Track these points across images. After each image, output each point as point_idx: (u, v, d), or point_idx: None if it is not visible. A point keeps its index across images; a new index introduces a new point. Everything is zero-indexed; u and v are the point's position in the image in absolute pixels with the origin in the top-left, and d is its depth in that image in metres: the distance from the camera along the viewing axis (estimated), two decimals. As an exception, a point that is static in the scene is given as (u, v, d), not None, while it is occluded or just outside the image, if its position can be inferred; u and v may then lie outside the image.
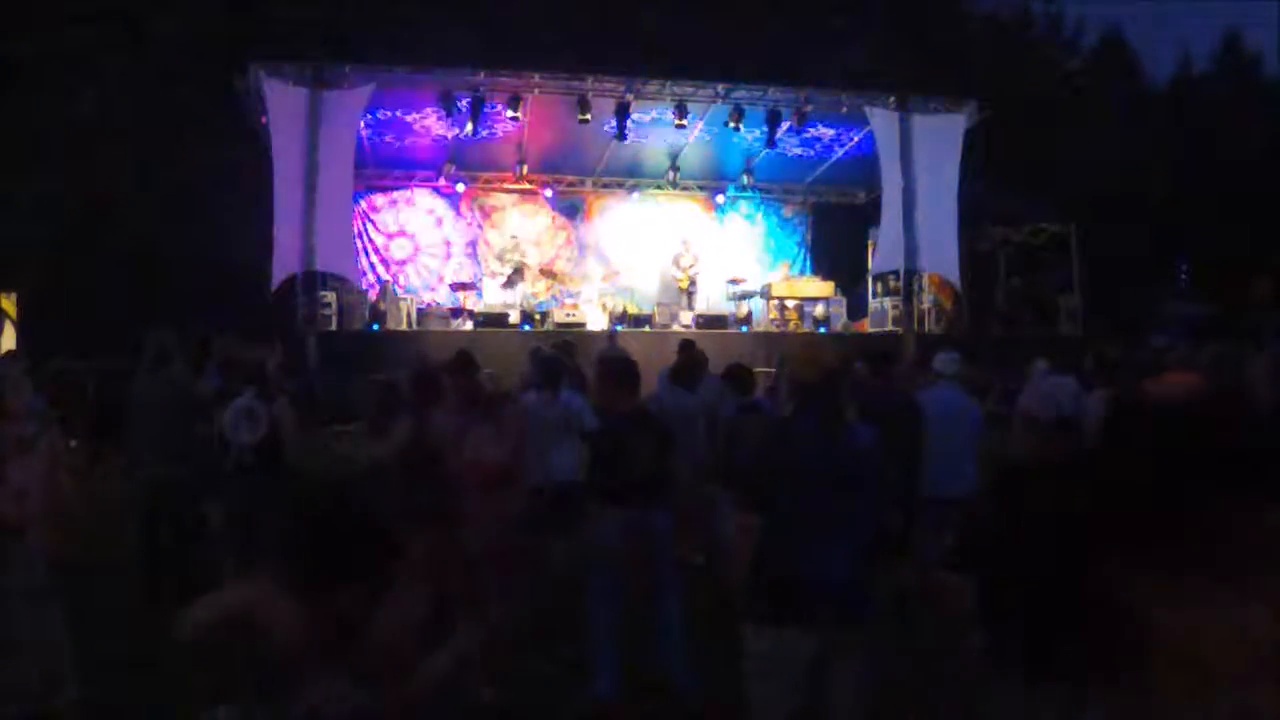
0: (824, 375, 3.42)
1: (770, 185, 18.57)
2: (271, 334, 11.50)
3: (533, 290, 16.91)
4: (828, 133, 16.22)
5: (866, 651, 3.29)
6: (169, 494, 6.42)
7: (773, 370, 10.49)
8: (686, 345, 9.13)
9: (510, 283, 15.79)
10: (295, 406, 6.98)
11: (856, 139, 16.23)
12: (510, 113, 14.04)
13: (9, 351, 10.88)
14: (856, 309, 17.44)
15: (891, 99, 14.71)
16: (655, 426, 5.12)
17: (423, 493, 4.88)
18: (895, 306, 15.94)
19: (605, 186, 17.94)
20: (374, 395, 6.39)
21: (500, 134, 15.50)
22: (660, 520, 4.89)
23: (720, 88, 14.67)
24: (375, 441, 5.89)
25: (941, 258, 14.58)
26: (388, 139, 15.85)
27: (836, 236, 19.34)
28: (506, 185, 17.51)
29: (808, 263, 18.94)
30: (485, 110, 14.06)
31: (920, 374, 7.02)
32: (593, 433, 5.45)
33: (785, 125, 14.95)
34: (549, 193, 17.66)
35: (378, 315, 14.90)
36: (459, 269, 17.26)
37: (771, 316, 16.27)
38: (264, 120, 13.37)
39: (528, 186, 17.47)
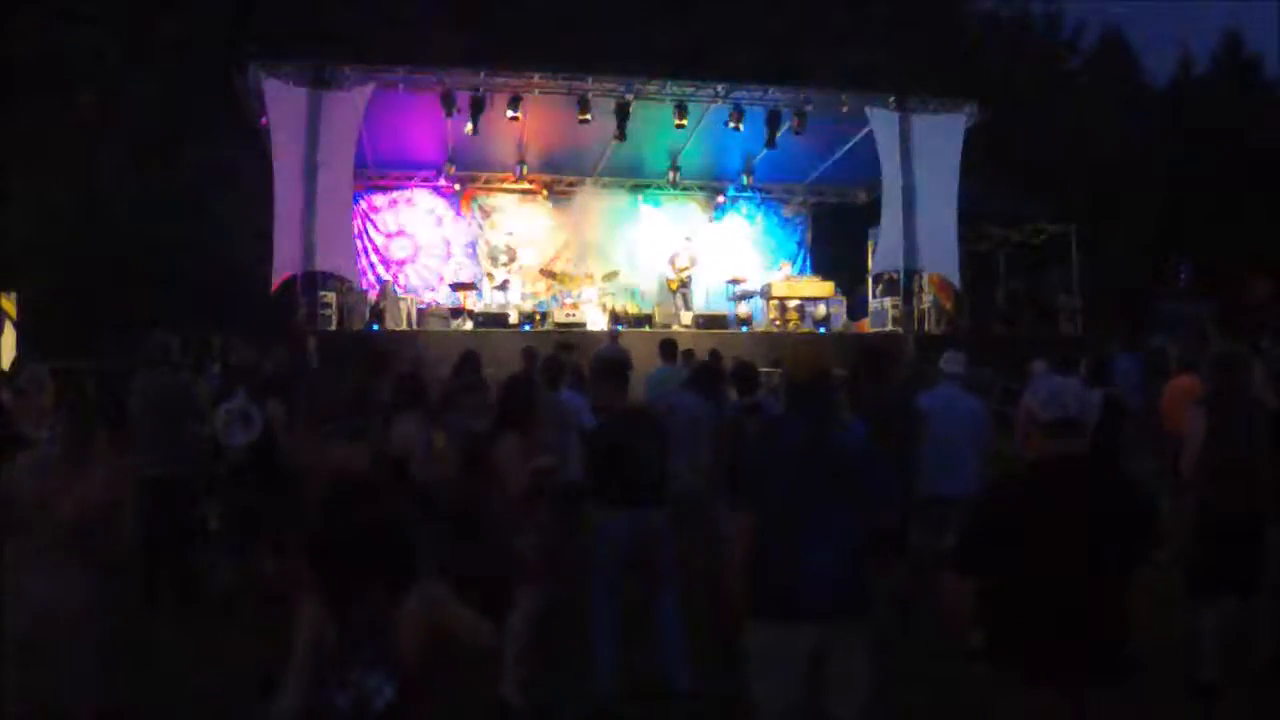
0: (816, 375, 3.43)
1: (770, 185, 18.56)
2: (273, 335, 11.53)
3: (533, 290, 16.90)
4: (827, 133, 16.21)
5: (864, 650, 3.29)
6: (168, 495, 6.42)
7: (776, 370, 10.52)
8: (675, 347, 9.16)
9: (504, 286, 15.80)
10: (294, 407, 6.99)
11: (856, 139, 16.22)
12: (510, 113, 14.03)
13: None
14: (856, 309, 17.43)
15: (891, 99, 14.69)
16: (652, 425, 5.12)
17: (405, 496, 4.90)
18: (895, 306, 15.93)
19: (605, 186, 17.94)
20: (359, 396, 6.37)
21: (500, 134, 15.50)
22: (659, 518, 4.89)
23: (720, 88, 14.65)
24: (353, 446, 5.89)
25: (941, 258, 14.56)
26: (388, 139, 15.85)
27: (836, 236, 19.35)
28: (506, 185, 17.51)
29: (808, 263, 18.93)
30: (485, 110, 14.05)
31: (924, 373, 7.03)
32: (590, 432, 5.45)
33: (785, 125, 14.94)
34: (548, 193, 17.66)
35: (378, 315, 14.89)
36: (459, 269, 17.24)
37: (771, 316, 16.26)
38: (264, 120, 13.36)
39: (528, 186, 17.46)
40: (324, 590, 2.43)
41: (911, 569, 5.46)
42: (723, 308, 16.50)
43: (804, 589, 3.21)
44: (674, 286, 16.26)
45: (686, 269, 16.29)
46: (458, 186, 17.24)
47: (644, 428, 5.04)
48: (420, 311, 15.55)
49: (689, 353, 9.44)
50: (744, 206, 18.79)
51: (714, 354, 9.07)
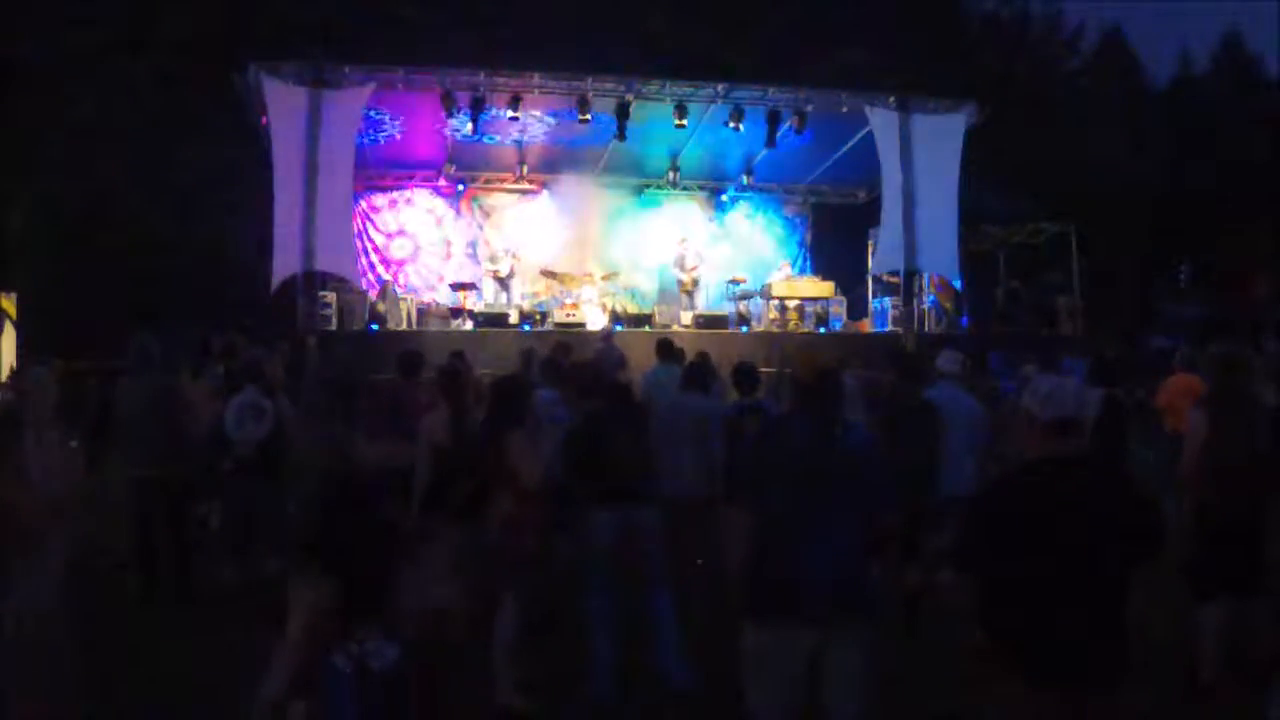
0: (819, 376, 3.44)
1: (770, 185, 18.55)
2: (277, 336, 11.51)
3: (533, 290, 16.90)
4: (827, 133, 16.20)
5: (863, 650, 3.29)
6: (158, 495, 6.42)
7: (777, 370, 10.50)
8: (672, 346, 9.10)
9: (505, 286, 15.79)
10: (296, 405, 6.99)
11: (857, 139, 16.21)
12: (510, 113, 14.02)
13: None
14: (856, 309, 17.42)
15: (891, 99, 14.67)
16: (627, 423, 5.11)
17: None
18: (895, 306, 15.92)
19: (605, 186, 17.93)
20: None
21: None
22: (649, 516, 4.88)
23: (720, 88, 14.65)
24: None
25: (941, 258, 14.55)
26: (388, 139, 15.84)
27: (836, 236, 19.32)
28: (506, 185, 17.50)
29: (808, 263, 18.92)
30: (485, 110, 14.04)
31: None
32: (566, 434, 5.43)
33: (785, 125, 14.93)
34: (548, 192, 17.66)
35: (377, 315, 14.87)
36: (459, 269, 17.24)
37: (771, 316, 16.24)
38: (264, 120, 13.35)
39: (528, 186, 17.45)
40: (329, 568, 2.63)
41: (919, 568, 5.46)
42: (723, 308, 16.50)
43: (804, 589, 3.21)
44: (688, 286, 16.24)
45: (695, 268, 16.30)
46: (458, 186, 17.24)
47: (618, 426, 5.02)
48: (420, 311, 15.55)
49: (680, 351, 9.35)
50: (744, 206, 18.79)
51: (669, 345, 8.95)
